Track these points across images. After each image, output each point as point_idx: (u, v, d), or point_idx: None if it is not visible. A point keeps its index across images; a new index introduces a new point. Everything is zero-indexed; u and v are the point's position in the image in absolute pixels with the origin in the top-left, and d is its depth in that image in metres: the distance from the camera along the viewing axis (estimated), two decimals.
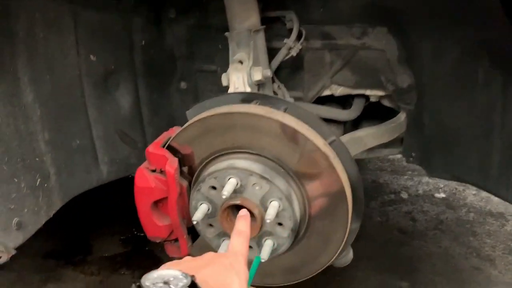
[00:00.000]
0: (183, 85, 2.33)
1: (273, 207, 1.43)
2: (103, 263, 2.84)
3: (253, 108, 1.47)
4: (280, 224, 1.47)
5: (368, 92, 2.12)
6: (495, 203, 3.41)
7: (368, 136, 2.03)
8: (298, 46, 1.88)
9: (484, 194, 3.47)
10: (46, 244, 2.88)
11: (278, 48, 1.93)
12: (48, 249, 2.97)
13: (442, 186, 3.73)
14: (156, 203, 1.62)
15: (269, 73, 1.75)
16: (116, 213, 3.32)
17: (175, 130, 1.73)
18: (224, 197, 1.40)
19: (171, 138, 1.58)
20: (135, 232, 3.13)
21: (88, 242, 3.06)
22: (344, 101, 2.31)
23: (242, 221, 1.28)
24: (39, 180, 1.80)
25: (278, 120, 1.43)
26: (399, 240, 3.07)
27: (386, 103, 2.19)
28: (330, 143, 1.48)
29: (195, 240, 1.68)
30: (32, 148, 1.78)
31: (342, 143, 1.50)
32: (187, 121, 2.36)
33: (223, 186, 1.47)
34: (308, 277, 1.64)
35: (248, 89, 1.66)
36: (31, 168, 1.77)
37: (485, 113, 1.74)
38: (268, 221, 1.39)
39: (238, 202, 1.46)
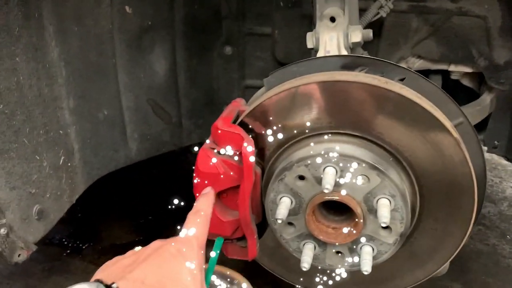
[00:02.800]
0: (227, 50, 1.96)
1: (385, 207, 1.11)
2: (114, 252, 2.47)
3: (361, 77, 1.13)
4: (386, 227, 1.15)
5: (451, 67, 1.80)
6: None
7: None
8: (390, 5, 1.54)
9: None
10: None
11: (360, 8, 1.58)
12: (51, 234, 2.59)
13: None
14: (219, 194, 1.29)
15: (370, 33, 1.41)
16: (128, 195, 2.97)
17: (240, 102, 1.39)
18: (326, 190, 1.07)
19: (246, 111, 1.24)
20: (149, 218, 2.78)
21: (96, 228, 2.70)
22: None
23: (203, 199, 1.07)
24: (62, 157, 1.45)
25: (395, 93, 1.10)
26: None
27: (466, 82, 1.88)
28: (456, 126, 1.16)
29: (259, 239, 1.36)
30: (57, 117, 1.43)
31: (472, 126, 1.19)
32: (229, 94, 2.05)
33: (315, 177, 1.15)
34: None
35: (344, 53, 1.32)
36: (55, 142, 1.42)
37: None
38: (383, 225, 1.08)
39: (336, 198, 1.14)
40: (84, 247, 2.54)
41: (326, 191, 1.07)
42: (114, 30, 1.62)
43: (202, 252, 0.85)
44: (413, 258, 1.29)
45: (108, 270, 0.81)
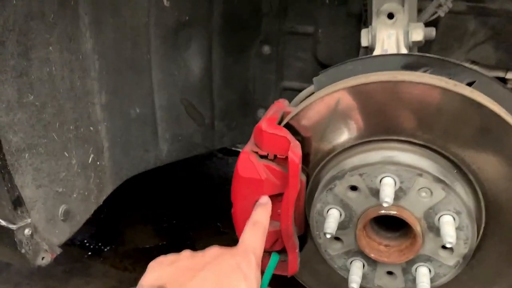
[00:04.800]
0: (266, 49, 1.86)
1: (449, 225, 0.98)
2: (137, 256, 2.40)
3: (427, 78, 1.02)
4: (447, 248, 1.03)
5: (509, 75, 1.66)
6: None
7: None
8: (449, 4, 1.41)
9: None
10: None
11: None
12: (72, 235, 2.52)
13: None
14: None
15: (433, 32, 1.29)
16: (152, 198, 2.88)
17: (283, 103, 1.29)
18: (386, 204, 0.95)
19: (293, 113, 1.13)
20: (174, 222, 2.69)
21: (118, 230, 2.62)
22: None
23: (261, 210, 1.03)
24: (92, 155, 1.37)
25: (466, 97, 0.98)
26: None
27: None
28: None
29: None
30: (88, 113, 1.34)
31: None
32: (265, 96, 1.95)
33: (370, 188, 1.03)
34: None
35: (404, 52, 1.21)
36: (85, 139, 1.34)
37: None
38: (449, 245, 0.95)
39: (393, 213, 1.02)
40: (105, 249, 2.45)
41: (385, 204, 0.95)
42: (150, 24, 1.53)
43: (259, 269, 0.82)
44: (473, 283, 1.15)
45: (163, 270, 0.78)
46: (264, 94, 1.91)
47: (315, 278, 1.30)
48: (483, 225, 1.07)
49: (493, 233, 1.08)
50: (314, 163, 1.16)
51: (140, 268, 2.34)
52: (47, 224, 1.18)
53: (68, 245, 2.49)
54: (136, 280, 2.23)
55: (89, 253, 2.43)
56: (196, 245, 2.49)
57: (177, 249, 2.47)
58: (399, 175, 1.00)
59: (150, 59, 1.58)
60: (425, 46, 1.60)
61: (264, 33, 1.84)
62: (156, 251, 2.47)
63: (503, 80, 1.71)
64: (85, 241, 2.51)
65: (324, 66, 1.70)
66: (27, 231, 1.12)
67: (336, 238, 1.13)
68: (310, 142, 1.15)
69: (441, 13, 1.41)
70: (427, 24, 1.51)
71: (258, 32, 1.84)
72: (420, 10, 1.44)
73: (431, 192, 0.99)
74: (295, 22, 1.81)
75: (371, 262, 1.12)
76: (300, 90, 1.42)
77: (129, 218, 2.72)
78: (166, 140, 1.71)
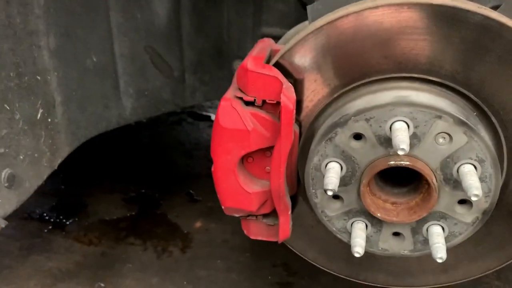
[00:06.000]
0: None
1: (473, 175, 0.83)
2: (103, 229, 2.20)
3: (447, 0, 0.84)
4: (463, 202, 0.89)
5: None
6: None
7: None
8: None
9: None
10: (27, 200, 2.21)
11: None
12: (30, 207, 2.31)
13: None
14: (244, 158, 1.00)
15: None
16: (116, 165, 2.67)
17: (268, 42, 1.09)
18: (402, 152, 0.79)
19: (283, 50, 0.94)
20: (142, 191, 2.49)
21: (82, 200, 2.41)
22: None
23: None
24: (41, 110, 1.15)
25: (493, 19, 0.82)
26: None
27: None
28: None
29: None
30: (33, 58, 1.12)
31: None
32: (241, 45, 1.74)
33: (377, 135, 0.87)
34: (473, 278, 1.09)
35: None
36: (30, 90, 1.12)
37: None
38: (475, 198, 0.80)
39: (406, 163, 0.87)
40: (68, 222, 2.24)
41: (401, 152, 0.79)
42: None
43: None
44: (488, 242, 1.03)
45: None
46: (241, 42, 1.71)
47: (307, 244, 1.15)
48: (504, 176, 0.94)
49: None
50: (309, 110, 0.99)
51: (107, 241, 2.16)
52: None
53: (25, 219, 2.29)
54: (104, 254, 2.03)
55: (50, 227, 2.21)
56: (169, 214, 2.32)
57: (147, 220, 2.27)
58: (414, 118, 0.84)
59: None
60: None
61: None
62: (124, 222, 2.28)
63: None
64: (45, 214, 2.30)
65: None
66: None
67: (335, 197, 0.97)
68: (303, 85, 0.97)
69: None
70: None
71: None
72: None
73: (451, 138, 0.84)
74: None
75: (376, 223, 0.97)
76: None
77: (93, 187, 2.51)
78: (129, 95, 1.50)
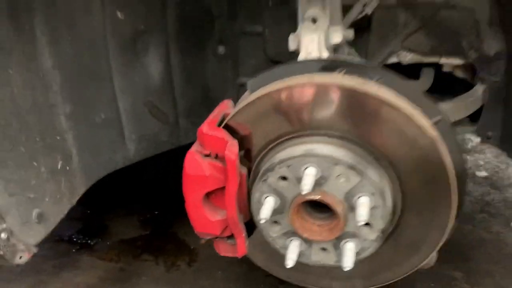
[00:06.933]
0: (221, 49, 2.00)
1: (364, 206, 1.14)
2: (122, 247, 2.56)
3: (339, 79, 1.16)
4: (367, 224, 1.19)
5: (443, 60, 1.80)
6: None
7: (448, 112, 1.73)
8: (375, 2, 1.55)
9: None
10: (58, 225, 2.59)
11: (347, 5, 1.59)
12: (60, 231, 2.65)
13: (483, 163, 3.46)
14: (208, 194, 1.33)
15: (351, 34, 1.43)
16: (133, 190, 3.04)
17: (227, 104, 1.43)
18: (304, 191, 1.11)
19: (230, 115, 1.28)
20: (155, 212, 2.85)
21: (103, 223, 2.78)
22: (408, 72, 1.99)
23: None
24: (60, 162, 1.51)
25: (372, 94, 1.13)
26: None
27: (459, 73, 1.88)
28: (435, 124, 1.18)
29: (249, 236, 1.40)
30: (53, 124, 1.48)
31: (450, 123, 1.21)
32: (224, 92, 2.09)
33: (296, 177, 1.19)
34: (390, 282, 1.38)
35: (325, 54, 1.35)
36: (52, 148, 1.48)
37: None
38: (360, 223, 1.11)
39: (317, 197, 1.18)
40: (92, 243, 2.62)
41: (303, 192, 1.11)
42: (107, 35, 1.66)
43: None
44: (399, 252, 1.32)
45: None
46: (223, 91, 2.05)
47: (263, 256, 1.47)
48: (400, 202, 1.23)
49: (409, 208, 1.24)
50: (254, 157, 1.31)
51: (125, 258, 2.51)
52: (22, 227, 1.33)
53: (57, 241, 2.69)
54: (122, 270, 2.41)
55: (78, 247, 2.59)
56: (178, 233, 2.66)
57: (160, 239, 2.61)
58: (319, 164, 1.15)
59: (111, 67, 1.71)
60: (363, 38, 1.75)
61: (218, 35, 1.98)
62: (140, 240, 2.64)
63: (438, 65, 1.86)
64: (73, 236, 2.67)
65: (274, 62, 1.84)
66: (3, 235, 1.27)
67: (275, 222, 1.28)
68: (250, 138, 1.30)
69: (369, 10, 1.54)
70: (363, 18, 1.66)
71: (212, 33, 1.98)
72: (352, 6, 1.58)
73: (348, 178, 1.15)
74: (245, 23, 1.95)
75: (307, 241, 1.28)
76: None
77: (113, 211, 2.88)
78: (133, 141, 1.85)
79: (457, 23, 1.67)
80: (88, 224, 2.78)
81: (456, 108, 1.78)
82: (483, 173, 3.36)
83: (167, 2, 1.81)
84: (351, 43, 1.65)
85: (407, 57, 1.81)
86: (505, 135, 1.79)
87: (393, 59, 1.82)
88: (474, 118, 1.90)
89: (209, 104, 2.09)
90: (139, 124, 1.86)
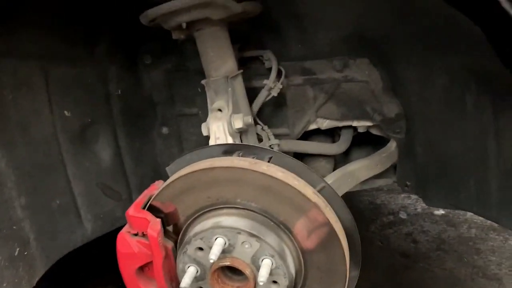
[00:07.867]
0: (164, 130, 2.25)
1: (265, 266, 1.34)
2: None
3: (236, 161, 1.39)
4: (274, 282, 1.38)
5: (355, 123, 2.05)
6: None
7: (361, 169, 1.96)
8: (279, 86, 1.81)
9: None
10: None
11: (259, 87, 1.86)
12: None
13: None
14: (142, 267, 1.53)
15: (250, 119, 1.68)
16: (108, 260, 3.19)
17: (157, 186, 1.65)
18: (212, 260, 1.31)
19: (153, 196, 1.49)
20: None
21: None
22: (332, 132, 2.24)
23: None
24: (18, 249, 1.70)
25: (263, 171, 1.35)
26: (402, 264, 2.98)
27: (375, 132, 2.13)
28: (319, 190, 1.40)
29: None
30: (8, 216, 1.68)
31: (332, 188, 1.42)
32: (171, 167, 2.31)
33: (210, 247, 1.38)
34: None
35: (230, 138, 1.58)
36: (8, 238, 1.67)
37: (479, 140, 1.68)
38: (261, 283, 1.30)
39: (227, 263, 1.37)
40: None
41: (211, 261, 1.31)
42: (58, 132, 1.89)
43: None
44: None
45: None
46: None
47: None
48: (303, 261, 1.43)
49: (311, 265, 1.43)
50: (179, 230, 1.52)
51: None
52: None
53: None
54: None
55: None
56: None
57: None
58: (225, 235, 1.36)
59: (63, 158, 1.93)
60: (283, 111, 2.00)
61: (160, 118, 2.24)
62: None
63: (353, 128, 2.11)
64: None
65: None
66: None
67: (201, 287, 1.47)
68: (176, 214, 1.51)
69: (275, 93, 1.80)
70: (279, 95, 1.92)
71: (155, 117, 2.23)
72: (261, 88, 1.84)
73: (250, 244, 1.35)
74: (183, 106, 2.21)
75: None
76: None
77: (89, 281, 3.03)
78: (89, 220, 2.04)
79: (357, 93, 1.94)
80: None
81: (372, 164, 2.01)
82: (440, 211, 3.55)
83: (110, 96, 2.07)
84: (272, 117, 1.91)
85: (324, 123, 2.06)
86: (418, 185, 2.01)
87: (313, 126, 2.07)
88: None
89: (159, 177, 2.30)
90: (93, 204, 2.06)
